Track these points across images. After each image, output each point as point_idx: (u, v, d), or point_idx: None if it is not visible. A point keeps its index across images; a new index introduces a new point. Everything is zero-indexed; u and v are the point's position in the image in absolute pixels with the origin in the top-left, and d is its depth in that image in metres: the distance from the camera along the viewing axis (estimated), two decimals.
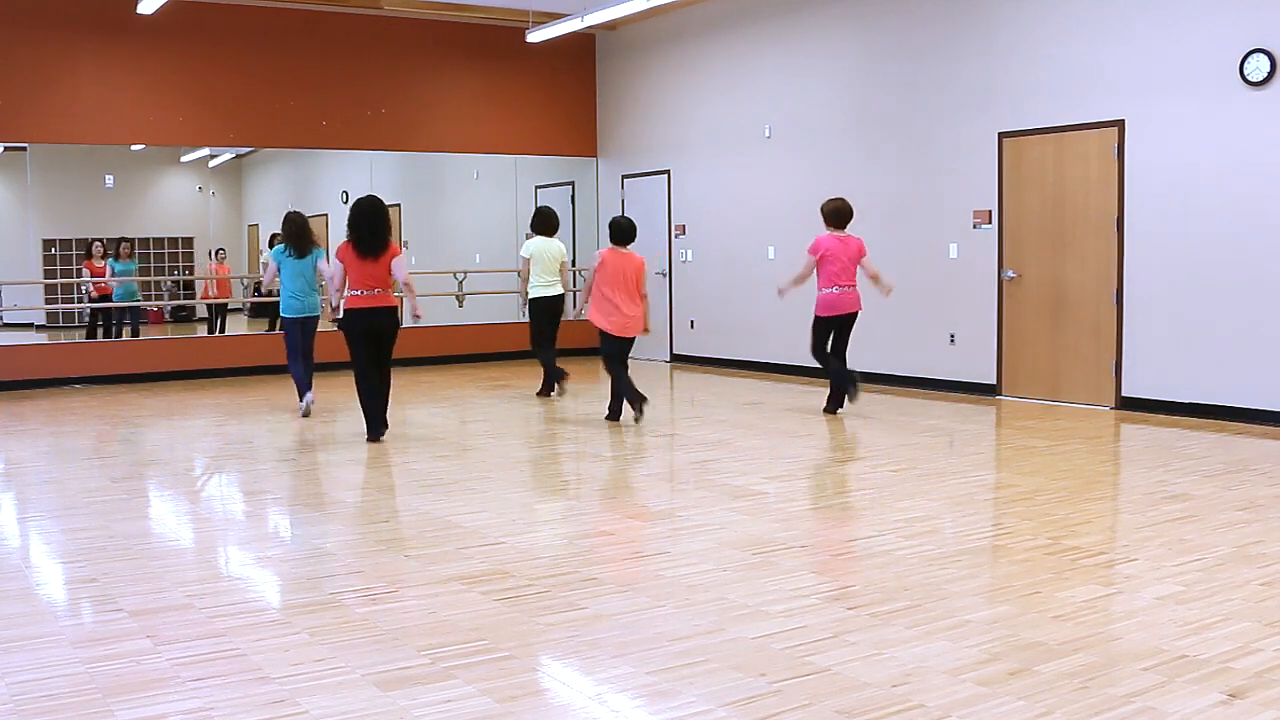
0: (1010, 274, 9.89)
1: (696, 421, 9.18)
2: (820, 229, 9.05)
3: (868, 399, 9.83)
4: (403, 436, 8.43)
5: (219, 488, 7.02)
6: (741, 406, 9.81)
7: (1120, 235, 9.07)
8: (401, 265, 8.02)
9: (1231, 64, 8.28)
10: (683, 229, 13.59)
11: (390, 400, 8.31)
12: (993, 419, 9.01)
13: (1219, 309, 8.49)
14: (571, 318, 10.71)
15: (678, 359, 13.75)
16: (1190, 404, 8.71)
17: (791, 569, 4.76)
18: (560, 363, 10.54)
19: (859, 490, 6.34)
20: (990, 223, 10.04)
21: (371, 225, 7.95)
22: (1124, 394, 9.14)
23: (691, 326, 13.52)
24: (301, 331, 9.43)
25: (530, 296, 10.27)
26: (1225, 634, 3.86)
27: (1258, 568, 4.67)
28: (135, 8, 11.19)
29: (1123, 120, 8.99)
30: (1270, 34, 8.08)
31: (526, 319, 10.46)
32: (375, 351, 8.06)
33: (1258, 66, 8.12)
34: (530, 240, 10.40)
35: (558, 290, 10.29)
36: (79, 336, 13.68)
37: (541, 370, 10.63)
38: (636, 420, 8.75)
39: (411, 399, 10.59)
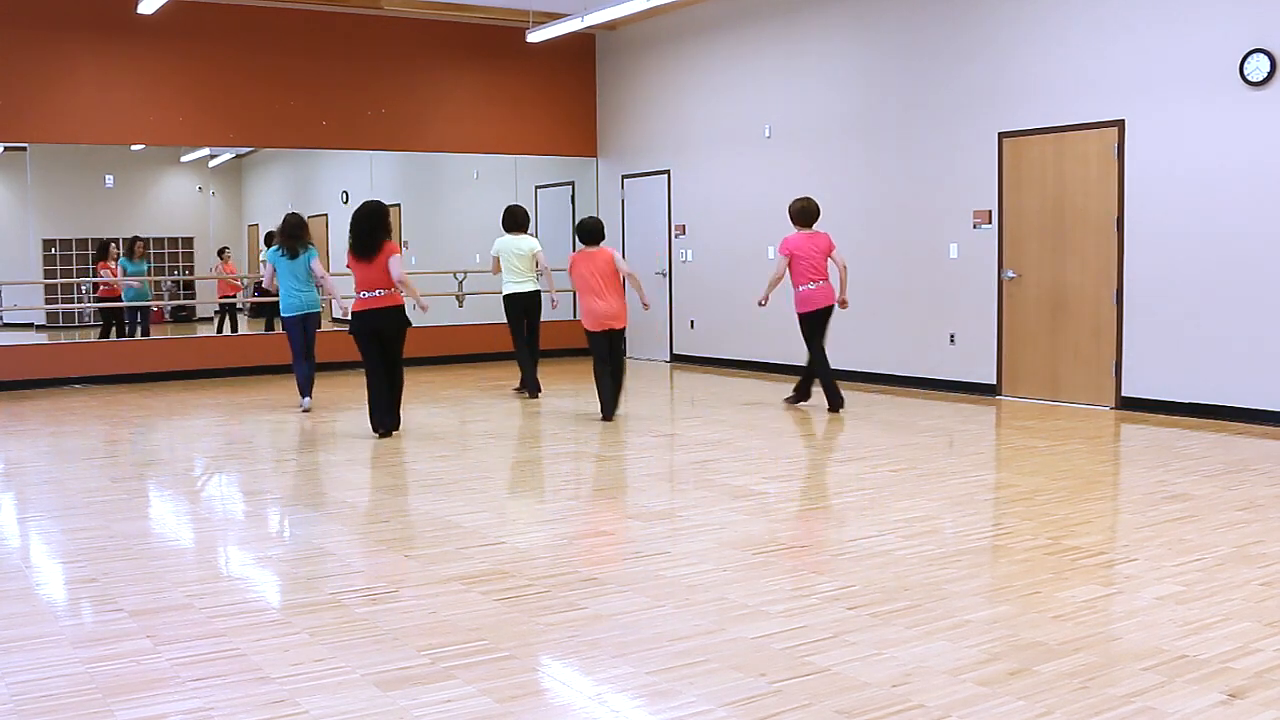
0: (1010, 274, 9.89)
1: (696, 421, 9.18)
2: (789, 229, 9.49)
3: (869, 398, 9.83)
4: (403, 436, 8.43)
5: (219, 488, 7.02)
6: (741, 406, 9.81)
7: (1120, 235, 9.07)
8: (397, 263, 8.20)
9: (1231, 64, 8.28)
10: (683, 229, 13.59)
11: (402, 399, 8.57)
12: (993, 419, 9.01)
13: (1219, 309, 8.49)
14: (553, 317, 10.86)
15: (678, 359, 13.75)
16: (1190, 404, 8.71)
17: (791, 569, 4.76)
18: (543, 363, 10.73)
19: (859, 490, 6.34)
20: (990, 223, 10.04)
21: (363, 228, 8.28)
22: (1124, 394, 9.14)
23: (691, 326, 13.52)
24: (303, 329, 9.66)
25: (502, 294, 10.52)
26: (1225, 634, 3.86)
27: (1258, 568, 4.67)
28: (135, 8, 11.18)
29: (1123, 120, 8.99)
30: (1270, 34, 8.08)
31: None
32: (383, 350, 8.32)
33: (1258, 66, 8.12)
34: (499, 239, 10.55)
35: (528, 287, 10.41)
36: (79, 336, 13.69)
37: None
38: (605, 419, 9.01)
39: (411, 399, 10.59)
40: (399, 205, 15.48)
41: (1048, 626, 3.96)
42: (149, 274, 13.45)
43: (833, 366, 9.34)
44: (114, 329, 13.15)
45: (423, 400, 10.57)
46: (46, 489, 6.69)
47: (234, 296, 14.54)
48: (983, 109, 10.04)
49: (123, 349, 12.62)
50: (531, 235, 10.53)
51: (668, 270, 13.76)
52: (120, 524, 5.73)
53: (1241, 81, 8.23)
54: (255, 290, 14.34)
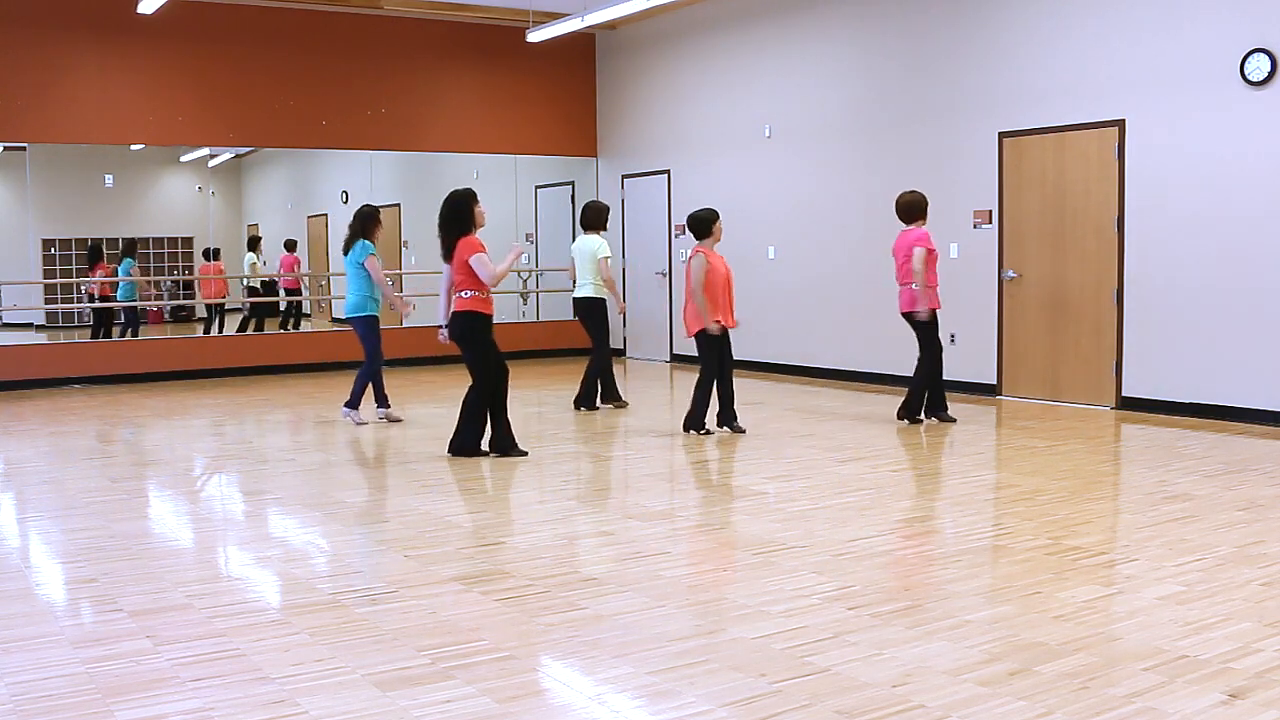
0: (1010, 274, 9.89)
1: None
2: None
3: (869, 398, 9.82)
4: (403, 436, 8.42)
5: (219, 488, 7.02)
6: (742, 406, 9.80)
7: (1120, 235, 9.07)
8: (478, 263, 7.19)
9: (1232, 64, 8.28)
10: (683, 229, 13.58)
11: (505, 422, 7.47)
12: (993, 419, 9.01)
13: (1219, 308, 8.48)
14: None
15: (678, 359, 13.74)
16: (1190, 404, 8.70)
17: (791, 569, 4.75)
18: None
19: (859, 490, 6.34)
20: (990, 223, 10.04)
21: (439, 226, 7.42)
22: (1124, 394, 9.13)
23: None
24: (359, 334, 8.85)
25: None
26: (1226, 634, 3.86)
27: (1258, 568, 4.66)
28: (135, 7, 11.17)
29: (1123, 120, 8.99)
30: (1270, 34, 8.07)
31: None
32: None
33: (1258, 66, 8.12)
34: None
35: (585, 291, 9.62)
36: (79, 337, 13.69)
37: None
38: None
39: (412, 399, 10.59)
40: (399, 205, 15.48)
41: (1048, 627, 3.96)
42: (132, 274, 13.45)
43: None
44: (127, 329, 13.19)
45: (423, 400, 10.56)
46: (46, 489, 6.69)
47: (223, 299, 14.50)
48: (983, 109, 10.04)
49: (123, 349, 12.62)
50: (601, 236, 9.60)
51: (668, 270, 13.76)
52: (120, 524, 5.73)
53: (1242, 81, 8.22)
54: (247, 292, 14.40)
